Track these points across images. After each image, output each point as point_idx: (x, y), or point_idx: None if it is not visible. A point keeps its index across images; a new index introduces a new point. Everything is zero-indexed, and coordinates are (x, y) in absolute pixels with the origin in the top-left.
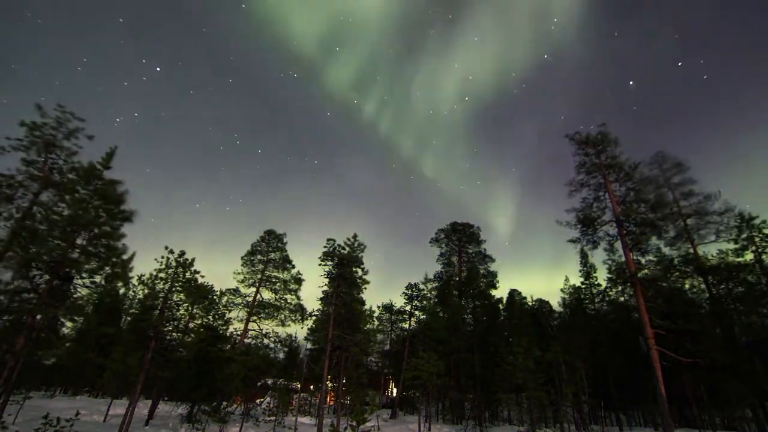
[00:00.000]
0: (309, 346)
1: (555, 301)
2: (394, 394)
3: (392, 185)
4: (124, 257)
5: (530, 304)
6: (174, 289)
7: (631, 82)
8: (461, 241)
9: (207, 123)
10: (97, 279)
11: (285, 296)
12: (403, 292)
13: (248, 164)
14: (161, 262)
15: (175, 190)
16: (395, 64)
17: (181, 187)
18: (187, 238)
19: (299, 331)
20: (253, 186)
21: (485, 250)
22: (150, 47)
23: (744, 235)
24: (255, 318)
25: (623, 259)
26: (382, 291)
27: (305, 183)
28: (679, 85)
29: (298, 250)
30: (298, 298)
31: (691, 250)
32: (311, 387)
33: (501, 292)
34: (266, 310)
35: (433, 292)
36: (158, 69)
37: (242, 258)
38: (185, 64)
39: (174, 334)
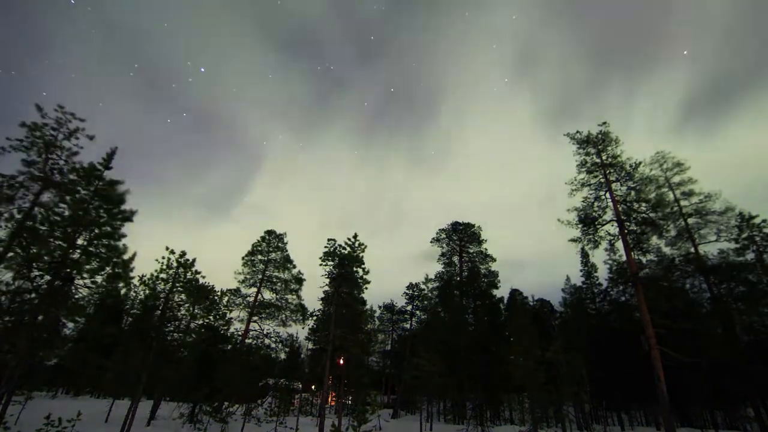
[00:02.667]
0: (310, 346)
1: (556, 301)
2: (396, 394)
3: None
4: (125, 257)
5: (531, 303)
6: (175, 289)
7: None
8: (462, 241)
9: (254, 120)
10: (98, 279)
11: (286, 296)
12: (404, 292)
13: (294, 159)
14: (162, 263)
15: (223, 184)
16: None
17: (229, 181)
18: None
19: (300, 331)
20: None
21: (486, 249)
22: (195, 48)
23: (744, 235)
24: (256, 318)
25: (624, 258)
26: None
27: None
28: None
29: None
30: (299, 298)
31: (692, 250)
32: (313, 387)
33: (502, 292)
34: (267, 310)
35: (434, 292)
36: (202, 70)
37: (243, 258)
38: (229, 63)
39: (175, 334)
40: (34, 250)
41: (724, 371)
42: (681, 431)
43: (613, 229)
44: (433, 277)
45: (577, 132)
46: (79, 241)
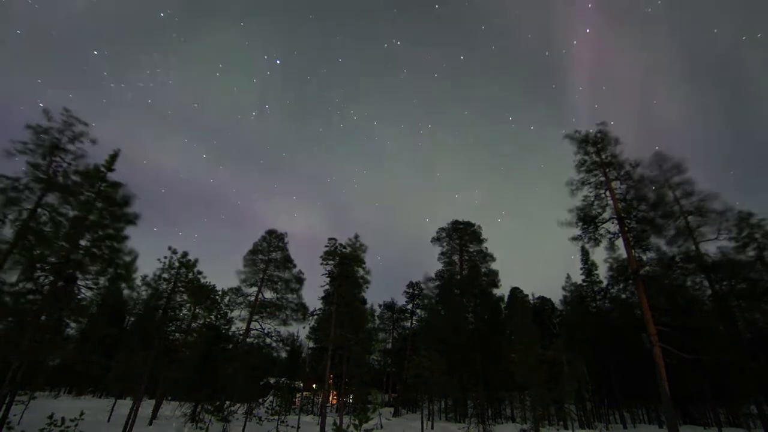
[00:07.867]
0: (311, 345)
1: (557, 299)
2: (397, 393)
3: None
4: (128, 258)
5: (532, 302)
6: (177, 289)
7: None
8: (462, 240)
9: (327, 104)
10: (101, 280)
11: (287, 295)
12: (405, 291)
13: (368, 137)
14: (164, 263)
15: (307, 167)
16: None
17: (314, 164)
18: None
19: (301, 330)
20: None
21: (486, 248)
22: (266, 42)
23: (745, 233)
24: (257, 317)
25: (624, 256)
26: None
27: None
28: None
29: None
30: (300, 297)
31: (693, 248)
32: (314, 386)
33: (502, 290)
34: (268, 310)
35: (434, 291)
36: (278, 61)
37: (244, 258)
38: (299, 52)
39: (177, 334)
40: (38, 252)
41: (726, 368)
42: (684, 429)
43: (613, 227)
44: (433, 275)
45: (576, 132)
46: (83, 243)
